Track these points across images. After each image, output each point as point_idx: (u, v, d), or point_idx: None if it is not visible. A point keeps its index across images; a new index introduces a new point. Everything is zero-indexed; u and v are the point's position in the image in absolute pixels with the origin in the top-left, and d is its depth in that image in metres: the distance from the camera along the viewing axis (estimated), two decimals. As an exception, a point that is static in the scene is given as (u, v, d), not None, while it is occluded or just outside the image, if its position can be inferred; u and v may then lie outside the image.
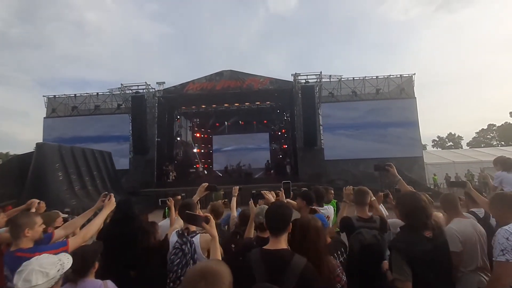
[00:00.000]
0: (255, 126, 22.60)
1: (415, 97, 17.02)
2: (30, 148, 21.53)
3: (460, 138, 54.11)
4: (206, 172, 20.72)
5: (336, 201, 3.84)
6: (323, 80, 16.70)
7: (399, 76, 17.24)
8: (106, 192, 2.14)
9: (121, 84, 17.22)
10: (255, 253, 1.46)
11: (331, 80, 16.94)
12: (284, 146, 21.75)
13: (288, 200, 2.83)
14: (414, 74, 17.07)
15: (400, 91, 17.00)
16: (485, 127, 51.54)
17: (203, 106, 20.22)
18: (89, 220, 2.06)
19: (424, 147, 31.12)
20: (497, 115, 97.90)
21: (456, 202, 2.35)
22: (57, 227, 2.23)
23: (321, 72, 16.45)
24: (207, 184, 2.51)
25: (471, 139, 53.00)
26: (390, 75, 17.18)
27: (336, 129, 16.69)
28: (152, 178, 16.58)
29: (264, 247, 1.48)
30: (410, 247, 1.63)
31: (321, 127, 16.70)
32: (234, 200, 3.03)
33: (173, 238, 1.96)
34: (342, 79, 16.98)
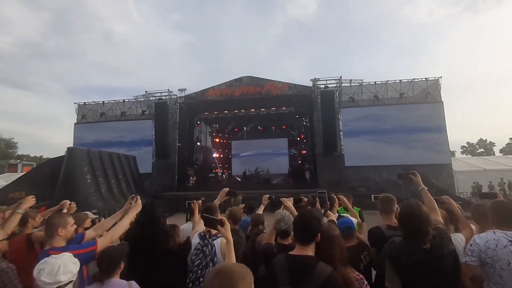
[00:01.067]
0: (273, 131, 22.62)
1: (442, 101, 16.23)
2: (61, 152, 23.00)
3: (492, 144, 50.66)
4: (225, 177, 20.94)
5: (359, 209, 3.73)
6: (343, 85, 16.41)
7: (424, 79, 16.56)
8: (133, 195, 2.25)
9: (146, 91, 18.01)
10: (280, 258, 1.49)
11: (352, 84, 16.61)
12: (303, 152, 21.54)
13: (328, 212, 2.75)
14: (441, 77, 16.32)
15: (425, 95, 16.29)
16: (521, 133, 47.87)
17: (223, 112, 20.59)
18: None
19: (453, 153, 29.49)
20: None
21: (487, 213, 2.24)
22: (86, 228, 2.36)
23: (341, 77, 16.20)
24: (228, 189, 2.56)
25: (504, 146, 49.38)
26: (414, 79, 16.55)
27: (357, 134, 16.23)
28: (173, 182, 17.06)
29: (290, 252, 1.51)
30: (402, 257, 1.60)
31: (341, 133, 16.36)
32: (262, 208, 3.06)
33: (195, 240, 2.03)
34: (363, 84, 16.60)
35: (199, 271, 1.85)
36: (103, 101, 19.48)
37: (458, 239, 2.14)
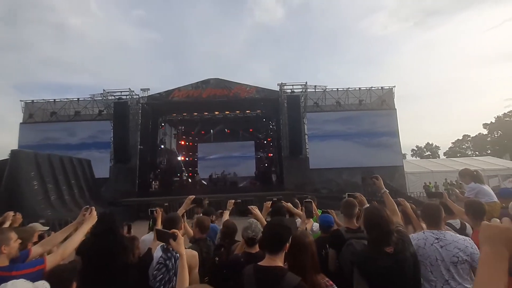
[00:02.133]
0: (241, 134, 22.59)
1: (395, 109, 17.72)
2: (3, 155, 20.34)
3: (437, 148, 56.67)
4: (190, 181, 20.33)
5: (322, 211, 3.83)
6: (308, 90, 17.06)
7: (380, 88, 17.91)
8: (88, 206, 2.02)
9: (104, 90, 16.77)
10: (248, 269, 1.46)
11: (316, 90, 17.32)
12: (270, 155, 21.84)
13: (309, 225, 2.78)
14: (395, 86, 17.83)
15: (381, 102, 17.64)
16: (461, 138, 54.32)
17: (189, 114, 20.04)
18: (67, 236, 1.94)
19: (404, 156, 32.28)
20: (471, 126, 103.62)
21: (439, 213, 2.43)
22: (35, 243, 2.08)
23: (306, 83, 16.82)
24: (193, 196, 2.45)
25: (447, 149, 55.58)
26: (372, 87, 17.82)
27: (320, 138, 16.99)
28: (133, 187, 16.04)
29: (259, 263, 1.47)
30: (368, 262, 1.65)
31: (306, 136, 16.94)
32: (227, 213, 2.96)
33: (158, 253, 1.89)
34: (327, 90, 17.42)
35: (162, 287, 1.72)
36: (54, 99, 17.74)
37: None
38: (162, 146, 20.13)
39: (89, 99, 17.46)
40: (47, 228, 3.09)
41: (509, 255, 0.60)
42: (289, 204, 2.74)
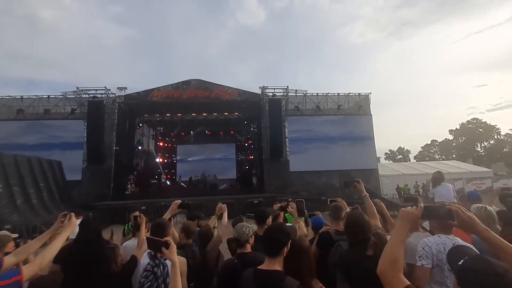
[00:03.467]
0: (221, 136, 22.42)
1: (371, 114, 18.52)
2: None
3: (408, 152, 59.92)
4: (169, 183, 19.81)
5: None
6: (290, 94, 17.34)
7: (357, 94, 18.63)
8: (66, 212, 1.91)
9: (77, 88, 15.91)
10: (248, 273, 1.49)
11: (297, 94, 17.66)
12: (251, 157, 21.87)
13: (300, 225, 2.81)
14: (370, 93, 18.62)
15: (358, 108, 18.35)
16: (429, 143, 57.86)
17: (168, 115, 19.57)
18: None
19: (378, 159, 33.79)
20: (439, 132, 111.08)
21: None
22: (7, 253, 1.92)
23: (287, 87, 17.09)
24: (179, 201, 2.39)
25: (417, 153, 58.96)
26: (349, 93, 18.48)
27: (300, 141, 17.32)
28: (108, 190, 15.29)
29: (259, 267, 1.50)
30: (349, 265, 1.71)
31: (287, 139, 17.18)
32: (214, 218, 3.00)
33: (145, 260, 1.83)
34: (307, 94, 17.81)
35: (150, 295, 1.67)
36: (22, 96, 16.51)
37: None
38: (140, 148, 19.46)
39: (61, 96, 16.46)
40: (16, 235, 2.86)
41: (409, 226, 1.19)
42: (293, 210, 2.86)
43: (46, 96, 16.64)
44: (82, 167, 15.64)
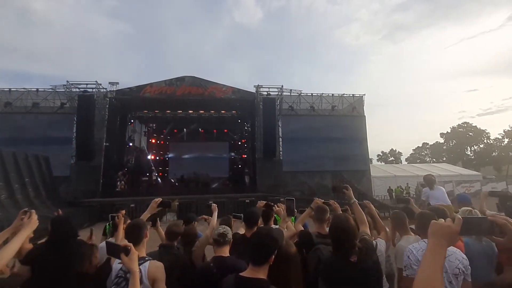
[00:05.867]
0: (215, 134, 22.26)
1: (365, 116, 18.58)
2: None
3: (400, 154, 60.75)
4: (160, 181, 19.57)
5: (295, 216, 3.82)
6: (284, 93, 17.27)
7: (351, 95, 18.67)
8: (26, 209, 1.75)
9: (67, 81, 15.54)
10: (230, 279, 1.39)
11: (292, 94, 17.60)
12: (244, 156, 21.76)
13: (289, 225, 2.70)
14: (364, 94, 18.68)
15: (352, 109, 18.39)
16: (420, 145, 58.69)
17: (161, 111, 19.28)
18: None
19: (371, 161, 34.07)
20: (430, 135, 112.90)
21: (405, 220, 2.52)
22: None
23: (282, 86, 17.02)
24: (160, 199, 2.26)
25: (408, 155, 59.75)
26: (344, 94, 18.51)
27: (294, 141, 17.23)
28: (97, 186, 14.96)
29: (241, 273, 1.40)
30: (332, 273, 1.64)
31: (280, 139, 17.11)
32: (215, 217, 2.83)
33: (117, 265, 1.69)
34: (302, 94, 17.77)
35: (121, 303, 1.54)
36: (10, 89, 16.01)
37: (381, 244, 2.33)
38: (131, 144, 19.14)
39: (50, 90, 16.03)
40: None
41: (447, 245, 0.86)
42: (279, 209, 2.71)
43: (35, 89, 16.18)
44: (70, 163, 15.26)
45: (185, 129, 21.81)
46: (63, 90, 15.73)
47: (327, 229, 2.43)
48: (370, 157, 23.71)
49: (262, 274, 1.36)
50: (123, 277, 1.60)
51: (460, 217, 0.88)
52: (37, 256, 2.09)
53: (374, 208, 2.84)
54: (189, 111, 19.40)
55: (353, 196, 2.47)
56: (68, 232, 2.17)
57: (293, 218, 3.87)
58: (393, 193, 18.78)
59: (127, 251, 1.32)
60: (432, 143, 56.41)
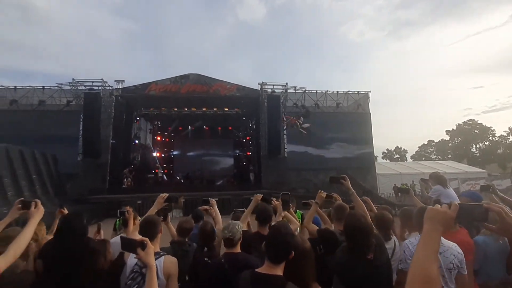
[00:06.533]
0: (219, 132, 22.29)
1: (370, 113, 18.45)
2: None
3: (405, 151, 60.18)
4: (166, 178, 19.70)
5: (302, 212, 3.81)
6: (289, 91, 17.20)
7: (356, 92, 18.54)
8: (22, 198, 1.79)
9: (73, 79, 15.65)
10: (246, 275, 1.37)
11: (296, 91, 17.52)
12: (248, 154, 21.79)
13: (287, 214, 2.72)
14: (370, 91, 18.54)
15: (357, 106, 18.27)
16: (426, 143, 58.12)
17: (166, 109, 19.34)
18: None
19: (376, 158, 33.89)
20: (435, 132, 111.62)
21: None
22: None
23: (287, 83, 16.95)
24: (166, 194, 2.26)
25: (414, 153, 59.24)
26: (349, 91, 18.38)
27: (299, 139, 17.18)
28: (103, 184, 15.13)
29: (257, 270, 1.38)
30: (348, 271, 1.60)
31: (285, 137, 17.08)
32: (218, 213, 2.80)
33: (132, 260, 1.71)
34: (307, 91, 17.68)
35: (137, 298, 1.56)
36: (15, 86, 16.24)
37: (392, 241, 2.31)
38: (137, 141, 19.27)
39: (56, 88, 16.21)
40: None
41: (442, 230, 0.86)
42: (278, 203, 2.62)
43: (41, 87, 16.36)
44: (77, 160, 15.42)
45: (190, 127, 21.87)
46: (69, 88, 15.87)
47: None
48: (375, 155, 23.59)
49: (279, 270, 1.35)
50: (139, 272, 1.61)
51: (456, 203, 0.90)
52: (48, 251, 2.13)
53: (371, 203, 2.81)
54: (193, 109, 19.43)
55: (351, 187, 2.41)
56: (77, 229, 2.19)
57: (299, 213, 3.88)
58: (398, 191, 18.66)
59: (143, 246, 1.31)
60: (437, 141, 55.85)
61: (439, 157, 50.65)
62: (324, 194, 2.64)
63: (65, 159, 14.32)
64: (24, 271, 1.75)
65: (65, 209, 3.38)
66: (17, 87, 16.25)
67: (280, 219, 2.55)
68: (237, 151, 22.82)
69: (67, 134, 15.43)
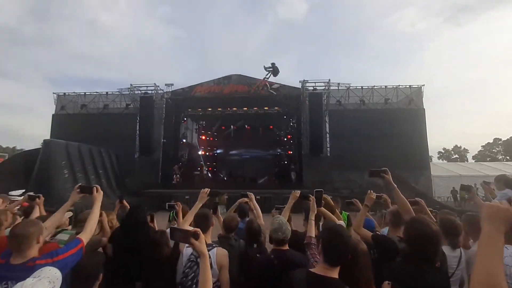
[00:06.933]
0: (261, 131, 22.59)
1: (424, 108, 16.84)
2: (36, 143, 21.70)
3: (466, 151, 53.48)
4: (210, 176, 20.70)
5: (348, 213, 3.70)
6: (331, 88, 16.64)
7: (408, 86, 17.09)
8: (81, 183, 2.10)
9: (131, 85, 17.39)
10: (300, 273, 1.36)
11: (339, 88, 16.86)
12: (289, 152, 21.68)
13: (321, 209, 2.63)
14: (423, 85, 16.93)
15: (409, 101, 16.83)
16: (491, 141, 50.89)
17: (210, 109, 20.29)
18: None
19: (430, 158, 30.79)
20: (503, 129, 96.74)
21: (479, 224, 2.28)
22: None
23: (329, 80, 16.42)
24: (208, 189, 2.41)
25: (476, 153, 52.35)
26: (399, 85, 17.04)
27: (342, 137, 16.47)
28: (156, 179, 16.60)
29: (312, 270, 1.37)
30: (414, 281, 1.43)
31: (327, 135, 16.58)
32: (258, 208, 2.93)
33: (188, 250, 1.89)
34: (351, 88, 16.89)
35: (194, 286, 1.73)
36: (85, 93, 18.64)
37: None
38: (184, 140, 20.62)
39: (117, 93, 18.19)
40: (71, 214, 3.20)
41: (505, 230, 0.75)
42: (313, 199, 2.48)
43: (105, 93, 18.50)
44: (134, 157, 17.16)
45: (232, 126, 22.61)
46: (128, 92, 17.68)
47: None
48: (430, 155, 21.50)
49: (335, 273, 1.32)
50: (194, 261, 1.78)
51: None
52: (116, 236, 2.45)
53: (425, 206, 2.57)
54: (236, 109, 20.00)
55: (392, 182, 2.19)
56: (140, 218, 2.48)
57: (345, 215, 3.76)
58: (458, 195, 16.72)
59: (196, 236, 1.37)
60: (505, 139, 48.39)
61: (507, 157, 43.87)
62: (374, 195, 2.47)
63: (125, 156, 16.07)
64: (96, 253, 2.05)
65: (124, 201, 3.83)
66: (86, 93, 18.63)
67: (313, 217, 2.47)
68: (278, 150, 22.86)
69: (126, 134, 17.25)
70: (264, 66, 16.19)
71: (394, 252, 1.82)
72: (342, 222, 3.12)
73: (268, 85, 11.78)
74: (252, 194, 3.12)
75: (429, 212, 2.55)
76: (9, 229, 2.21)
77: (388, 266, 1.59)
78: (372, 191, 2.54)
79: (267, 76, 11.14)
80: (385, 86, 17.07)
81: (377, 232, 2.45)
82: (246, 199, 3.17)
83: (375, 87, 17.06)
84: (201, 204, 2.36)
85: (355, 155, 16.05)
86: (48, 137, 16.80)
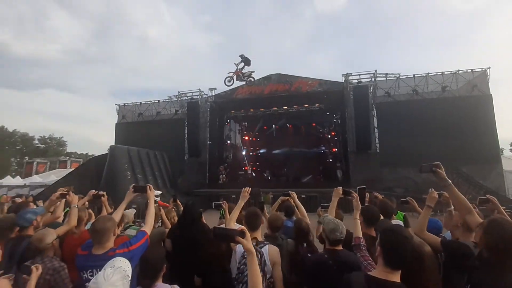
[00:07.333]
0: (303, 129, 22.25)
1: (491, 94, 14.70)
2: (105, 150, 24.79)
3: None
4: (254, 175, 21.09)
5: (404, 214, 3.47)
6: (378, 79, 15.60)
7: (470, 71, 15.14)
8: (134, 184, 2.33)
9: (178, 92, 18.75)
10: (357, 277, 1.32)
11: (388, 78, 15.71)
12: (334, 150, 20.91)
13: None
14: (489, 68, 14.83)
15: (471, 87, 14.89)
16: None
17: (252, 110, 20.69)
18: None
19: (501, 151, 26.67)
20: None
21: None
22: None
23: (375, 71, 15.43)
24: (249, 188, 2.45)
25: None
26: (458, 70, 15.21)
27: (393, 131, 15.19)
28: (204, 179, 17.61)
29: (372, 273, 1.32)
30: None
31: (376, 130, 15.58)
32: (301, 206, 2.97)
33: (241, 247, 1.97)
34: (401, 77, 15.62)
35: (249, 282, 1.82)
36: (140, 102, 20.59)
37: None
38: (228, 142, 21.42)
39: (167, 100, 19.73)
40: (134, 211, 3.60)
41: None
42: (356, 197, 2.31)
43: (157, 101, 20.21)
44: (184, 159, 18.42)
45: (274, 125, 22.71)
46: (176, 99, 19.05)
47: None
48: (500, 147, 18.63)
49: (397, 276, 1.25)
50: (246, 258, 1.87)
51: None
52: (174, 231, 2.65)
53: (498, 204, 2.26)
54: (277, 108, 20.02)
55: (446, 177, 1.95)
56: (195, 215, 2.67)
57: (400, 215, 3.52)
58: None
59: (243, 234, 1.38)
60: None
61: None
62: (436, 194, 2.19)
63: (176, 159, 17.37)
64: (157, 246, 2.26)
65: (177, 200, 4.14)
66: (142, 103, 20.58)
67: (357, 215, 2.34)
68: (322, 148, 22.20)
69: (176, 138, 18.62)
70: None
71: (468, 257, 1.62)
72: (399, 222, 2.94)
73: (241, 75, 11.55)
74: (294, 193, 3.13)
75: (504, 211, 2.25)
76: (89, 223, 2.58)
77: (466, 274, 1.43)
78: (433, 189, 2.23)
79: (240, 67, 10.98)
80: (442, 73, 15.40)
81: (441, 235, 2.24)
82: (287, 197, 3.18)
83: (430, 74, 15.50)
84: (243, 203, 2.39)
85: (408, 150, 14.64)
86: (113, 143, 19.02)
